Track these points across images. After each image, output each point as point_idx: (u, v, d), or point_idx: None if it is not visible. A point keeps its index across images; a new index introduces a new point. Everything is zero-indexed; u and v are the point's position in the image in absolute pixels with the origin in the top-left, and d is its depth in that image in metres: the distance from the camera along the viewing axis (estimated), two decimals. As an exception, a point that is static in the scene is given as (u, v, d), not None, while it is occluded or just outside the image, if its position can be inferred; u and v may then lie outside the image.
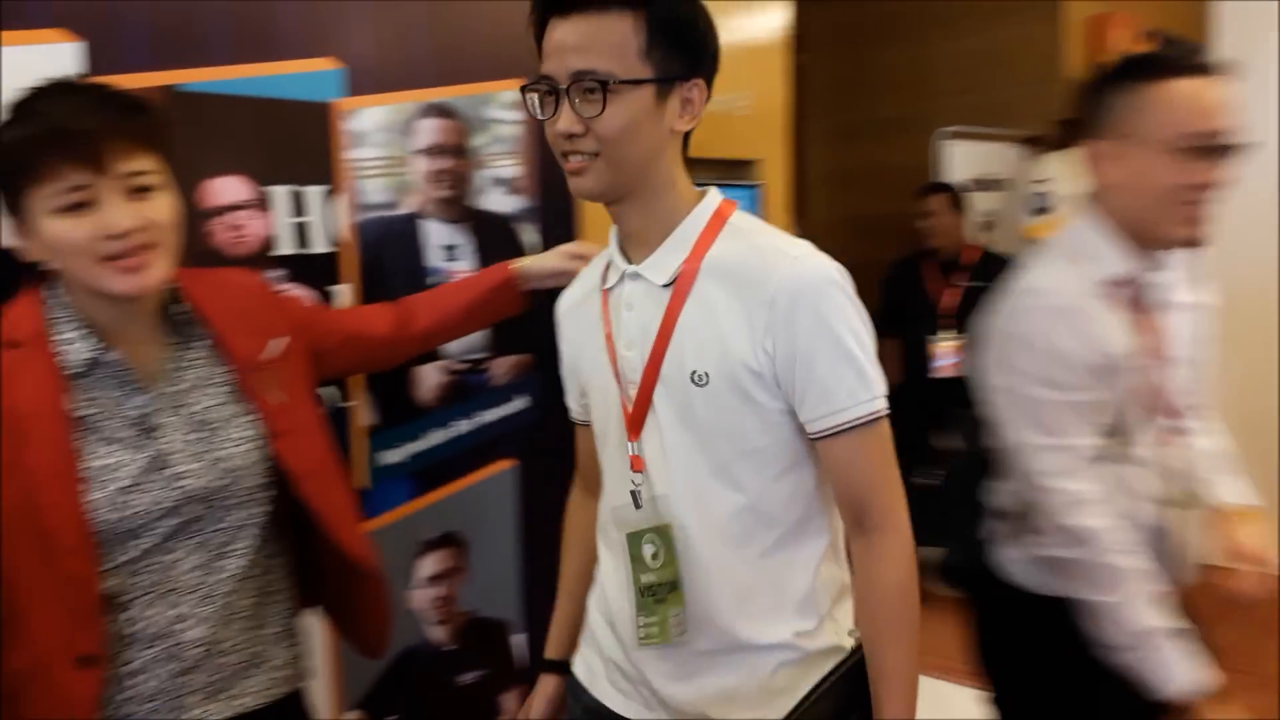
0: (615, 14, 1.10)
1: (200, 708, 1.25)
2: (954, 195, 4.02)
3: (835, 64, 5.82)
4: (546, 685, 1.46)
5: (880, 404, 1.15)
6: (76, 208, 1.13)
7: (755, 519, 1.18)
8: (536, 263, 1.71)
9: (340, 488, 1.38)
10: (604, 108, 1.11)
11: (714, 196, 1.24)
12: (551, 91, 1.13)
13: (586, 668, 1.35)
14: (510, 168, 2.21)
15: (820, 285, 1.14)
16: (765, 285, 1.14)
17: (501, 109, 2.17)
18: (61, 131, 1.11)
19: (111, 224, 1.13)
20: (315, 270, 1.79)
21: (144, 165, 1.17)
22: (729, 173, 2.78)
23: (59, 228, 1.13)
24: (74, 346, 1.19)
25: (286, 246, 1.77)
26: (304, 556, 1.41)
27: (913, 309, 4.01)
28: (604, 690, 1.31)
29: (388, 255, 1.91)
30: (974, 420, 1.70)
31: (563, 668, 1.43)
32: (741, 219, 1.24)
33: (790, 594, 1.20)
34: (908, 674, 1.15)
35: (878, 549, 1.17)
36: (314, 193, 1.81)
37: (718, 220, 1.21)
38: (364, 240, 1.88)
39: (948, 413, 3.82)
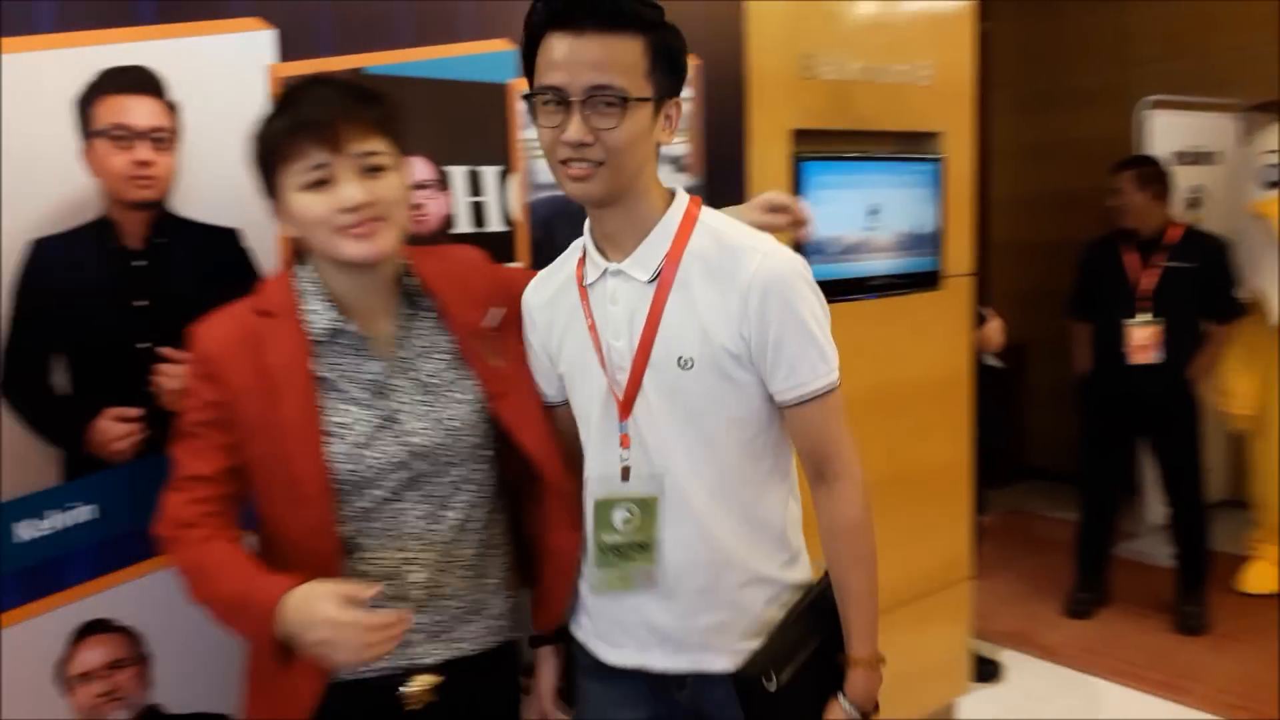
0: (629, 36, 1.22)
1: (423, 645, 1.38)
2: (1152, 171, 3.69)
3: (1024, 30, 5.47)
4: (548, 656, 1.54)
5: (835, 376, 1.34)
6: (318, 185, 1.28)
7: (737, 476, 1.35)
8: (740, 213, 1.65)
9: (556, 445, 1.47)
10: (619, 121, 1.22)
11: (683, 197, 1.37)
12: (561, 102, 1.23)
13: (584, 631, 1.47)
14: (679, 145, 2.18)
15: (788, 278, 1.30)
16: (740, 278, 1.29)
17: (674, 86, 2.14)
18: (306, 118, 1.26)
19: (345, 198, 1.27)
20: (490, 249, 1.81)
21: (375, 146, 1.30)
22: (908, 146, 2.64)
23: (303, 202, 1.28)
24: (319, 316, 1.34)
25: (463, 225, 1.80)
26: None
27: (1108, 291, 3.73)
28: (601, 649, 1.44)
29: (558, 233, 1.91)
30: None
31: (559, 637, 1.53)
32: (709, 216, 1.37)
33: (769, 533, 1.39)
34: (870, 594, 1.38)
35: (838, 494, 1.37)
36: (490, 173, 1.84)
37: (689, 220, 1.35)
38: (534, 219, 1.89)
39: (1145, 399, 3.62)
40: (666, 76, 1.28)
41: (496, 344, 1.44)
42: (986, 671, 3.34)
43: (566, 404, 1.46)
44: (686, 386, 1.31)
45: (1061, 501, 4.73)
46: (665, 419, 1.33)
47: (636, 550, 1.35)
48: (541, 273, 1.49)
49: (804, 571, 1.44)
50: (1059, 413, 4.25)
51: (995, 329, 3.23)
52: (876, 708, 1.40)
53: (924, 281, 2.68)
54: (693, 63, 2.22)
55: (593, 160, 1.24)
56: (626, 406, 1.34)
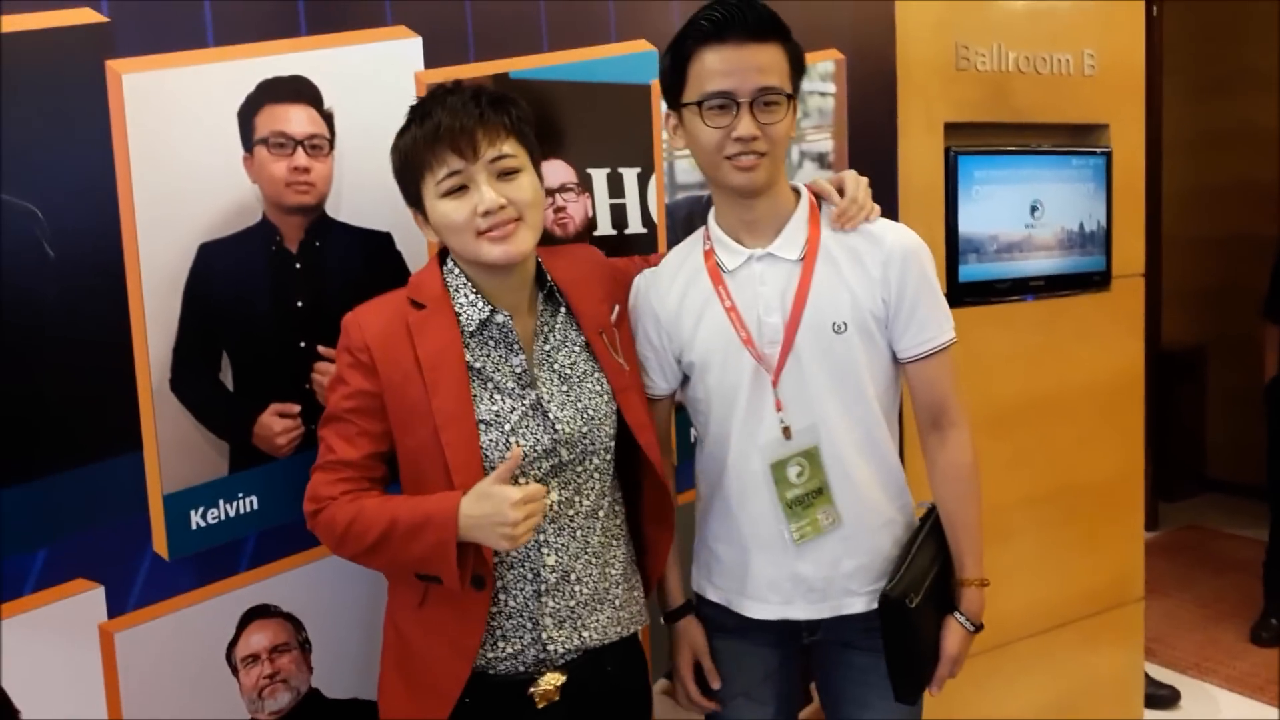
0: (775, 45, 1.41)
1: (553, 629, 1.41)
2: None
3: (1197, 10, 5.11)
4: (691, 627, 1.63)
5: (954, 333, 1.53)
6: (456, 191, 1.34)
7: (875, 428, 1.52)
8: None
9: (660, 441, 1.55)
10: (782, 116, 1.41)
11: (803, 190, 1.54)
12: (726, 105, 1.39)
13: (724, 593, 1.59)
14: (824, 141, 2.13)
15: (919, 249, 1.51)
16: (880, 250, 1.48)
17: (820, 80, 2.09)
18: (440, 127, 1.32)
19: (483, 202, 1.32)
20: (631, 251, 1.81)
21: (508, 150, 1.35)
22: (1072, 138, 2.50)
23: (443, 209, 1.35)
24: (470, 308, 1.40)
25: (604, 227, 1.81)
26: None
27: None
28: (747, 605, 1.56)
29: (700, 235, 1.90)
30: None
31: (689, 608, 1.65)
32: (824, 208, 1.55)
33: (894, 478, 1.56)
34: (979, 525, 1.58)
35: (953, 440, 1.56)
36: (630, 174, 1.83)
37: (814, 208, 1.53)
38: (673, 220, 1.88)
39: None
40: (797, 78, 1.45)
41: (615, 339, 1.50)
42: (1162, 698, 3.12)
43: (671, 397, 1.61)
44: (839, 349, 1.47)
45: (1245, 518, 4.39)
46: (818, 381, 1.48)
47: (815, 496, 1.50)
48: (648, 272, 1.59)
49: (911, 510, 1.59)
50: (1244, 420, 3.93)
51: None
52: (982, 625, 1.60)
53: (1090, 282, 2.53)
54: (834, 58, 2.18)
55: (759, 152, 1.40)
56: (778, 375, 1.48)
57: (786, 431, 1.48)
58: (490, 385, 1.38)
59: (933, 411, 1.55)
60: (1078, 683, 2.65)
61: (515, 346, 1.41)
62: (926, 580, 1.51)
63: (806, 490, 1.50)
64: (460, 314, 1.39)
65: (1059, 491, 2.53)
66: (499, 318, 1.40)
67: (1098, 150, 2.50)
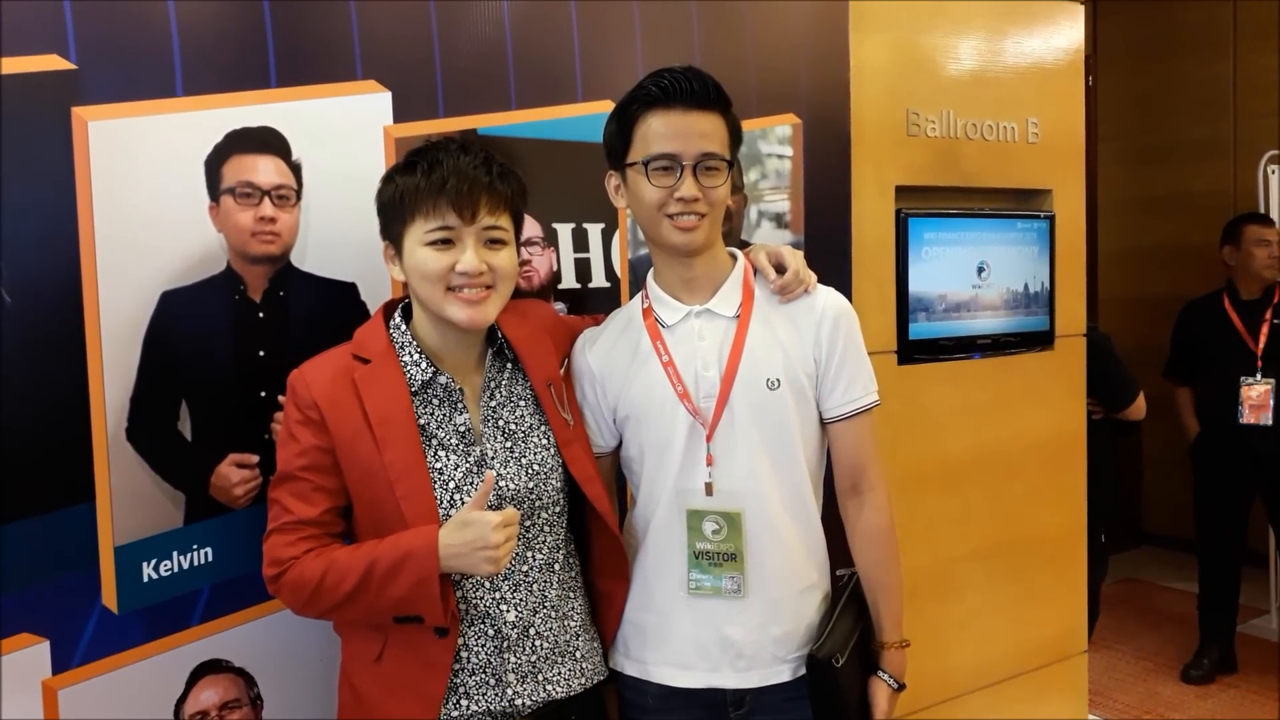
0: (717, 114, 1.48)
1: (517, 685, 1.41)
2: (1272, 225, 3.59)
3: (1131, 82, 5.34)
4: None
5: (878, 395, 1.59)
6: (442, 243, 1.36)
7: (801, 486, 1.54)
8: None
9: (608, 494, 1.55)
10: (721, 180, 1.47)
11: (737, 251, 1.61)
12: (670, 167, 1.45)
13: (643, 665, 1.56)
14: (781, 202, 2.18)
15: (849, 310, 1.58)
16: (813, 309, 1.55)
17: (778, 144, 2.15)
18: (446, 183, 1.34)
19: (465, 263, 1.35)
20: (596, 303, 1.83)
21: (501, 222, 1.40)
22: (1017, 203, 2.58)
23: (423, 255, 1.36)
24: (415, 368, 1.41)
25: (568, 281, 1.83)
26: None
27: (1218, 350, 3.65)
28: (669, 674, 1.54)
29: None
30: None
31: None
32: (758, 277, 1.59)
33: (818, 543, 1.59)
34: (898, 588, 1.61)
35: (873, 502, 1.59)
36: (595, 229, 1.86)
37: (749, 269, 1.59)
38: (635, 275, 1.91)
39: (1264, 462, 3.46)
40: (736, 146, 1.52)
41: (562, 394, 1.52)
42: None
43: (613, 453, 1.61)
44: (773, 406, 1.51)
45: (1181, 571, 4.50)
46: (751, 437, 1.50)
47: (726, 560, 1.50)
48: (589, 330, 1.63)
49: (829, 576, 1.62)
50: (1177, 476, 4.06)
51: None
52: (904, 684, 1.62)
53: (1035, 341, 2.61)
54: (792, 122, 2.24)
55: (699, 213, 1.46)
56: (713, 429, 1.50)
57: (709, 488, 1.49)
58: (435, 442, 1.39)
59: (854, 474, 1.58)
60: (1024, 736, 2.68)
61: (460, 405, 1.42)
62: (850, 642, 1.53)
63: (719, 549, 1.50)
64: (405, 371, 1.40)
65: (1006, 546, 2.58)
66: (442, 379, 1.41)
67: (1041, 214, 2.59)
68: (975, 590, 2.53)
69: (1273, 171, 4.00)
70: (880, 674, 1.59)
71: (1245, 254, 3.64)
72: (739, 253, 1.60)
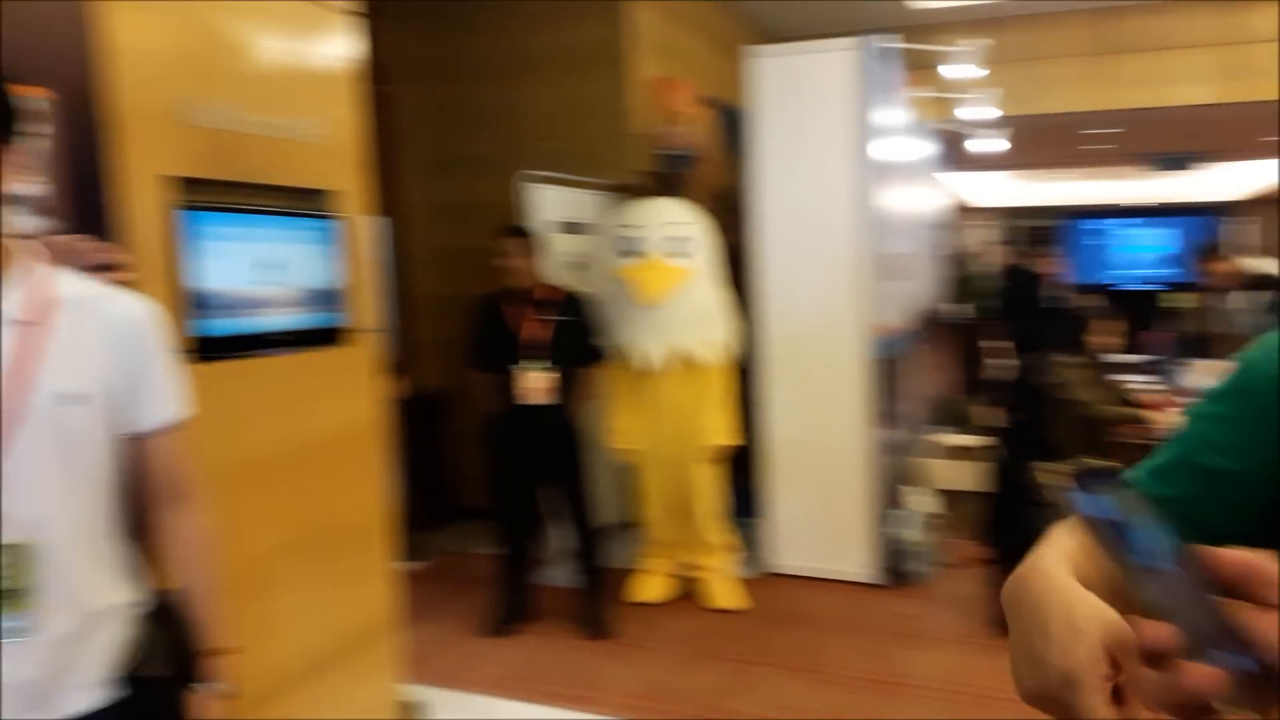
0: None
1: None
2: (527, 237, 4.24)
3: (429, 97, 5.84)
4: None
5: (186, 405, 1.55)
6: None
7: (104, 511, 1.45)
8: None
9: None
10: None
11: (32, 243, 1.46)
12: None
13: None
14: (41, 187, 1.96)
15: (152, 318, 1.49)
16: (112, 318, 1.43)
17: (32, 120, 1.91)
18: None
19: None
20: None
21: None
22: (299, 202, 2.62)
23: None
24: None
25: None
26: None
27: (497, 342, 4.20)
28: None
29: None
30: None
31: None
32: (60, 274, 1.44)
33: (123, 563, 1.50)
34: (217, 594, 1.59)
35: (190, 511, 1.57)
36: None
37: (46, 265, 1.41)
38: None
39: (539, 438, 4.08)
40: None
41: None
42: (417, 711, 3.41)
43: None
44: (70, 423, 1.36)
45: (491, 539, 5.06)
46: (47, 459, 1.35)
47: (26, 596, 1.33)
48: None
49: (139, 592, 1.53)
50: (482, 454, 4.55)
51: None
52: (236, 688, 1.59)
53: (329, 337, 2.69)
54: (48, 97, 2.01)
55: None
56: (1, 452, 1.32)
57: None
58: None
59: (170, 484, 1.54)
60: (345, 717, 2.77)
61: None
62: (173, 655, 1.48)
63: (15, 586, 1.34)
64: None
65: (315, 537, 2.63)
66: None
67: (327, 214, 2.68)
68: (290, 583, 2.55)
69: (528, 189, 4.68)
70: (206, 684, 1.53)
71: (501, 260, 4.23)
72: (38, 244, 1.45)
